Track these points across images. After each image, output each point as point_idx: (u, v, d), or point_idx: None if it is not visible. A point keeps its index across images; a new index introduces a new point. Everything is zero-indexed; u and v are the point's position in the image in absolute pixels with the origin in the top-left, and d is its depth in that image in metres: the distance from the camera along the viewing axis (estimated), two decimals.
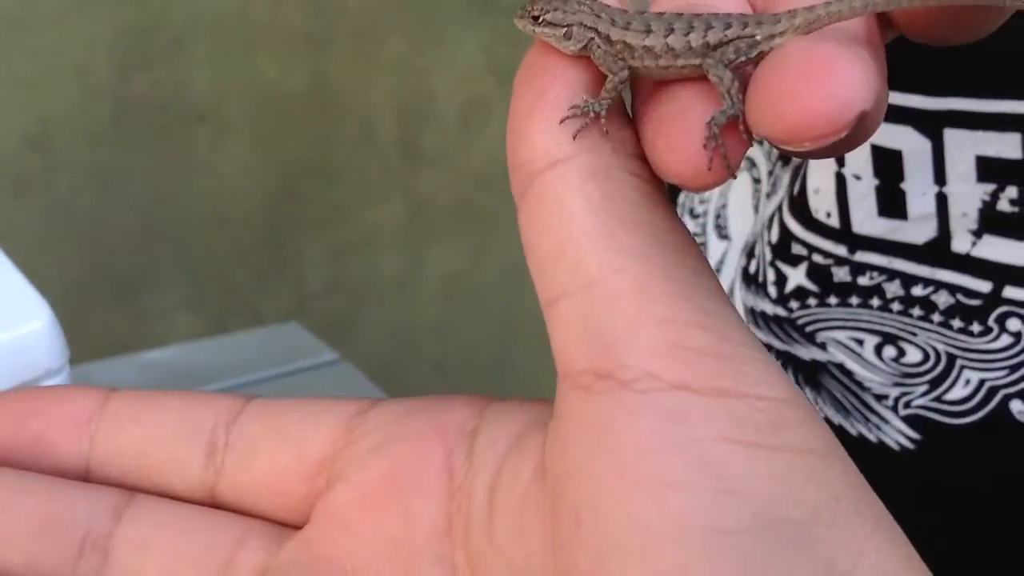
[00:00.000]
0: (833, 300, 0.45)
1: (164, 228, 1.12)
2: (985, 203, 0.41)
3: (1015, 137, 0.40)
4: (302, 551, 0.28)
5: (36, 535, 0.28)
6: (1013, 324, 0.42)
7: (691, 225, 0.54)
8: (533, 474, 0.25)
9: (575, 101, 0.25)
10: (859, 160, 0.43)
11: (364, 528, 0.27)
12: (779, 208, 0.47)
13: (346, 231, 1.21)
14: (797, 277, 0.46)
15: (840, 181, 0.44)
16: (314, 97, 1.15)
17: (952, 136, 0.41)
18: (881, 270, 0.44)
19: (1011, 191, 0.40)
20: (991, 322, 0.42)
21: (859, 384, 0.45)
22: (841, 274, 0.45)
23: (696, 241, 0.25)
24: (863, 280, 0.44)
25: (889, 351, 0.44)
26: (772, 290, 0.47)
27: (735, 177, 0.24)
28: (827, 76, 0.21)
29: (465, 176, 1.23)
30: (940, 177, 0.41)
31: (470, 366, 1.27)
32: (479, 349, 1.28)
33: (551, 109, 0.25)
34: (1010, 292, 0.42)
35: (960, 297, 0.42)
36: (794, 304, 0.46)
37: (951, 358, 0.43)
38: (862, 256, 0.44)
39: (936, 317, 0.43)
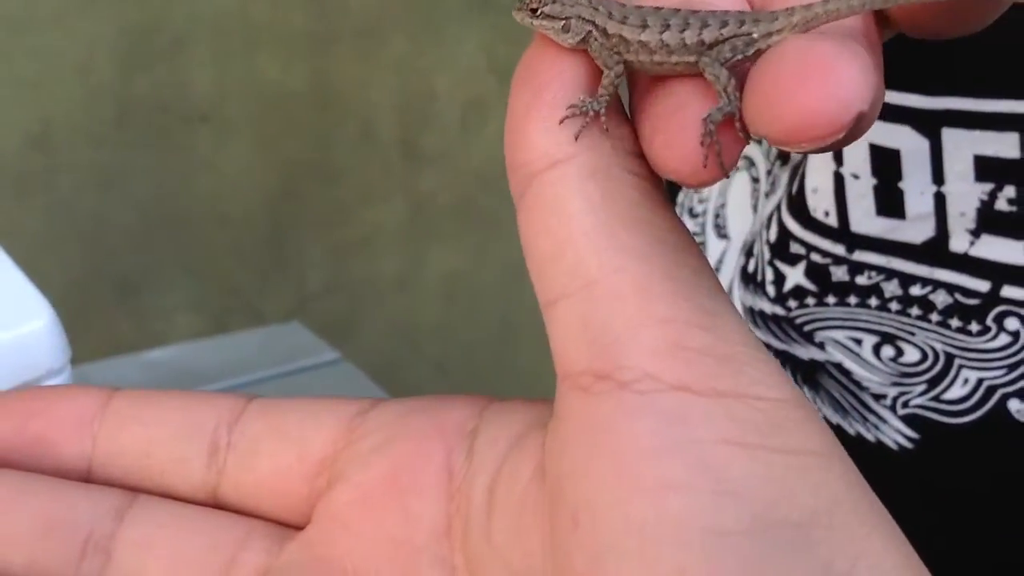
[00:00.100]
0: (831, 299, 0.45)
1: (165, 228, 1.12)
2: (983, 202, 0.41)
3: (1013, 136, 0.40)
4: (303, 552, 0.28)
5: (38, 536, 0.28)
6: (1011, 323, 0.42)
7: (690, 224, 0.54)
8: (532, 475, 0.25)
9: (572, 100, 0.24)
10: (857, 159, 0.43)
11: (364, 529, 0.27)
12: (778, 207, 0.47)
13: (347, 231, 1.21)
14: (795, 276, 0.46)
15: (838, 180, 0.44)
16: (315, 97, 1.15)
17: (950, 135, 0.41)
18: (879, 269, 0.44)
19: (1009, 190, 0.40)
20: (989, 321, 0.42)
21: (857, 384, 0.45)
22: (839, 273, 0.45)
23: (696, 240, 0.25)
24: (861, 279, 0.44)
25: (887, 351, 0.44)
26: (771, 289, 0.47)
27: (728, 176, 0.24)
28: (825, 76, 0.21)
29: (466, 176, 1.23)
30: (938, 176, 0.41)
31: (471, 366, 1.27)
32: (480, 349, 1.28)
33: (549, 109, 0.24)
34: (1008, 291, 0.42)
35: (958, 296, 0.42)
36: (792, 303, 0.46)
37: (949, 357, 0.43)
38: (860, 255, 0.44)
39: (934, 316, 0.43)
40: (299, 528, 0.29)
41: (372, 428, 0.28)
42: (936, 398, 0.44)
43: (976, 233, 0.41)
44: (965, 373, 0.43)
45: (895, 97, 0.41)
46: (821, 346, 0.46)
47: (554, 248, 0.24)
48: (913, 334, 0.44)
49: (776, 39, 0.24)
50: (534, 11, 0.26)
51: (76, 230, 1.08)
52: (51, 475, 0.29)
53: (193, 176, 1.12)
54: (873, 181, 0.43)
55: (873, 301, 0.44)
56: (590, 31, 0.25)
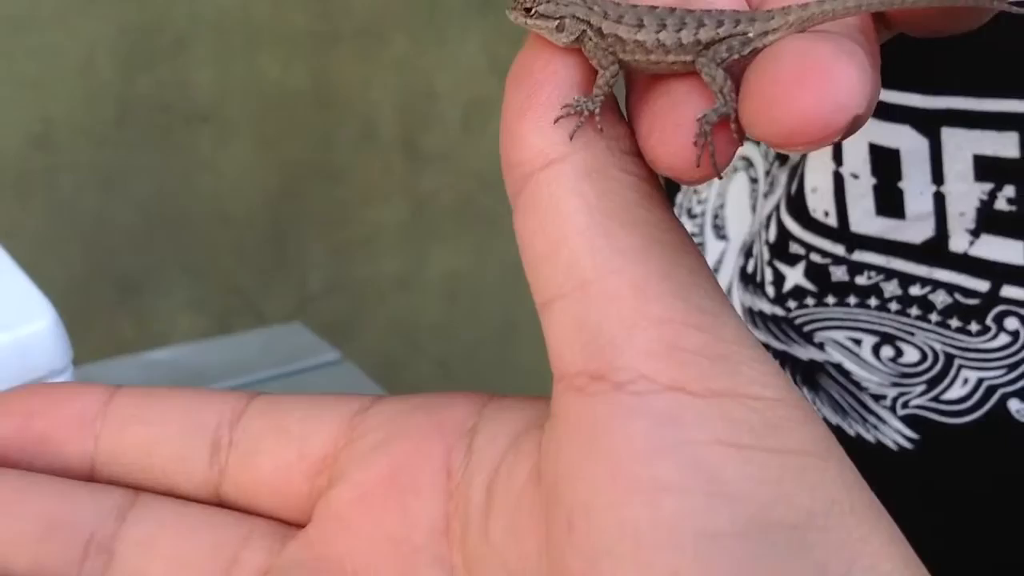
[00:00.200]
0: (831, 300, 0.45)
1: (167, 228, 1.12)
2: (983, 202, 0.41)
3: (1013, 136, 0.39)
4: (304, 551, 0.28)
5: (41, 537, 0.28)
6: (1011, 323, 0.42)
7: (689, 225, 0.54)
8: (529, 475, 0.25)
9: (567, 100, 0.24)
10: (857, 159, 0.43)
11: (364, 528, 0.27)
12: (776, 208, 0.47)
13: (348, 231, 1.21)
14: (795, 276, 0.46)
15: (838, 180, 0.44)
16: (316, 97, 1.15)
17: (950, 135, 0.41)
18: (879, 269, 0.44)
19: (1008, 190, 0.40)
20: (989, 321, 0.42)
21: (857, 384, 0.45)
22: (839, 273, 0.44)
23: (693, 239, 0.25)
24: (861, 279, 0.44)
25: (887, 351, 0.44)
26: (770, 290, 0.47)
27: (721, 177, 0.24)
28: (822, 79, 0.21)
29: (467, 176, 1.23)
30: (938, 176, 0.41)
31: (472, 365, 1.27)
32: (481, 348, 1.28)
33: (543, 109, 0.24)
34: (1008, 291, 0.41)
35: (958, 296, 0.42)
36: (792, 304, 0.46)
37: (949, 358, 0.43)
38: (860, 255, 0.44)
39: (934, 317, 0.43)
40: (300, 526, 0.29)
41: (372, 426, 0.28)
42: (936, 398, 0.44)
43: (976, 233, 0.41)
44: (965, 373, 0.43)
45: (895, 96, 0.41)
46: (820, 346, 0.46)
47: (549, 248, 0.24)
48: (913, 334, 0.44)
49: (772, 39, 0.24)
50: (528, 10, 0.26)
51: (77, 230, 1.08)
52: (53, 474, 0.29)
53: (194, 176, 1.12)
54: (873, 181, 0.43)
55: (872, 301, 0.44)
56: (584, 30, 0.25)
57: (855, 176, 0.43)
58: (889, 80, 0.41)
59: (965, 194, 0.41)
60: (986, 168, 0.40)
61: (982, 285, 0.42)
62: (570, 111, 0.24)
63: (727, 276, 0.51)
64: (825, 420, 0.46)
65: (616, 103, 0.25)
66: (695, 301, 0.23)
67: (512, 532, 0.25)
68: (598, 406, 0.23)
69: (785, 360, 0.47)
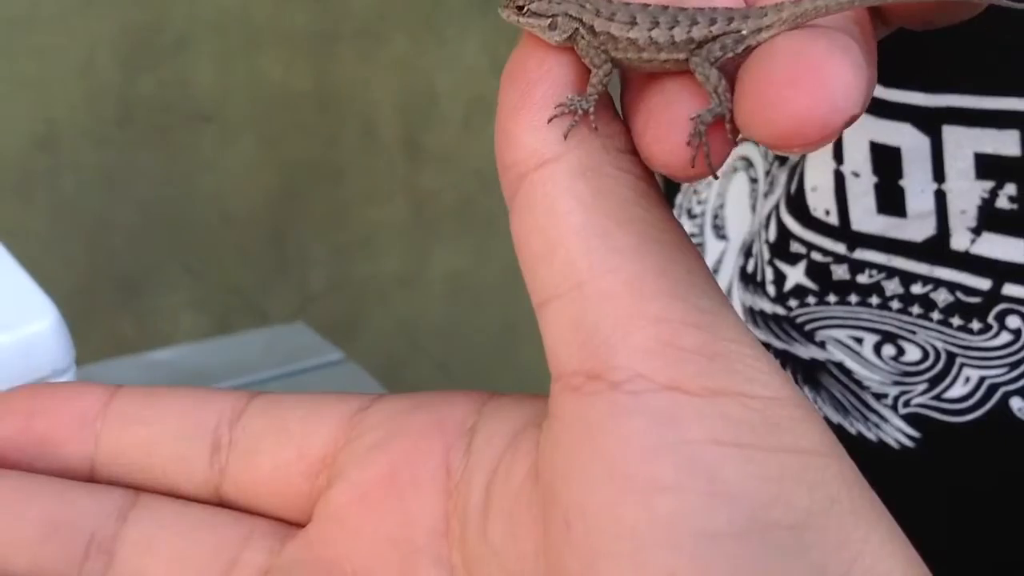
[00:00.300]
0: (832, 298, 0.45)
1: (169, 228, 1.12)
2: (984, 200, 0.41)
3: (1014, 134, 0.39)
4: (304, 551, 0.28)
5: (41, 539, 0.28)
6: (1013, 321, 0.42)
7: (688, 225, 0.54)
8: (527, 475, 0.25)
9: (561, 99, 0.24)
10: (858, 158, 0.43)
11: (364, 528, 0.27)
12: (776, 207, 0.47)
13: (350, 230, 1.21)
14: (796, 275, 0.46)
15: (839, 179, 0.44)
16: (317, 97, 1.15)
17: (951, 133, 0.41)
18: (880, 268, 0.44)
19: (1010, 188, 0.40)
20: (990, 320, 0.42)
21: (858, 383, 0.45)
22: (840, 272, 0.44)
23: (690, 237, 0.25)
24: (862, 278, 0.44)
25: (888, 349, 0.44)
26: (771, 289, 0.47)
27: (716, 176, 0.24)
28: (817, 80, 0.21)
29: (468, 175, 1.23)
30: (939, 174, 0.41)
31: (473, 365, 1.27)
32: (482, 348, 1.28)
33: (537, 108, 0.24)
34: (1009, 289, 0.41)
35: (959, 295, 0.42)
36: (793, 303, 0.46)
37: (950, 356, 0.43)
38: (861, 254, 0.44)
39: (935, 315, 0.43)
40: (301, 525, 0.29)
41: (371, 425, 0.28)
42: (937, 397, 0.44)
43: (977, 231, 0.41)
44: (966, 372, 0.43)
45: (896, 94, 0.41)
46: (822, 345, 0.46)
47: (545, 248, 0.24)
48: (914, 333, 0.43)
49: (766, 36, 0.24)
50: (520, 8, 0.26)
51: (79, 230, 1.08)
52: (54, 475, 0.29)
53: (196, 176, 1.12)
54: (874, 179, 0.43)
55: (874, 300, 0.44)
56: (577, 28, 0.25)
57: (856, 174, 0.43)
58: (890, 78, 0.41)
59: (966, 192, 0.41)
60: (987, 166, 0.40)
61: (983, 283, 0.42)
62: (564, 110, 0.24)
63: (727, 276, 0.51)
64: (826, 419, 0.46)
65: (611, 101, 0.25)
66: (692, 299, 0.23)
67: (510, 532, 0.25)
68: (595, 406, 0.23)
69: (786, 359, 0.47)
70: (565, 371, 0.24)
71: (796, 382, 0.47)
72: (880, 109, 0.41)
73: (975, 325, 0.42)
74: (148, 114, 1.08)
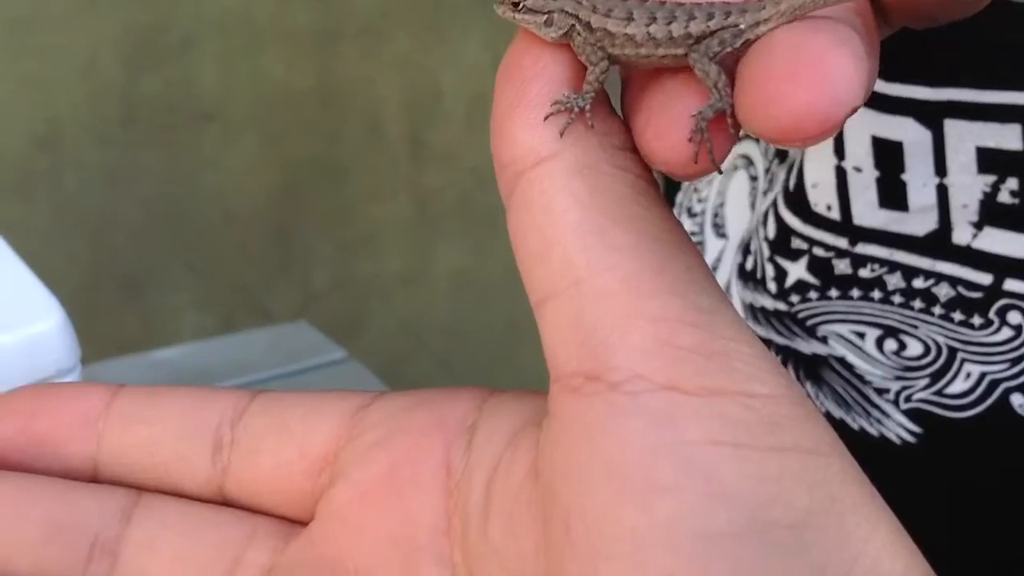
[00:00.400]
0: (834, 293, 0.45)
1: (172, 227, 1.12)
2: (986, 194, 0.41)
3: (1016, 128, 0.39)
4: (306, 550, 0.28)
5: (44, 540, 0.28)
6: (1014, 317, 0.42)
7: (689, 224, 0.53)
8: (526, 474, 0.25)
9: (557, 96, 0.24)
10: (859, 152, 0.43)
11: (365, 527, 0.27)
12: (774, 203, 0.47)
13: (353, 229, 1.21)
14: (797, 271, 0.46)
15: (840, 174, 0.44)
16: (321, 95, 1.15)
17: (953, 127, 0.40)
18: (882, 262, 0.43)
19: (1012, 182, 0.40)
20: (992, 315, 0.42)
21: (860, 378, 0.45)
22: (842, 266, 0.44)
23: (688, 233, 0.25)
24: (864, 272, 0.44)
25: (890, 344, 0.44)
26: (772, 285, 0.47)
27: (720, 171, 0.24)
28: (817, 74, 0.21)
29: (471, 173, 1.23)
30: (941, 168, 0.41)
31: (477, 363, 1.27)
32: (486, 346, 1.28)
33: (533, 106, 0.24)
34: (1011, 285, 0.41)
35: (961, 289, 0.42)
36: (795, 298, 0.46)
37: (952, 351, 0.43)
38: (863, 248, 0.44)
39: (937, 310, 0.43)
40: (304, 523, 0.28)
41: (372, 423, 0.28)
42: (939, 392, 0.44)
43: (979, 225, 0.41)
44: (967, 367, 0.43)
45: (898, 89, 0.41)
46: (824, 340, 0.46)
47: (542, 246, 0.24)
48: (916, 327, 0.43)
49: (764, 29, 0.23)
50: (516, 5, 0.25)
51: (82, 229, 1.09)
52: (57, 475, 0.29)
53: (199, 175, 1.12)
54: (876, 173, 0.43)
55: (876, 294, 0.44)
56: (573, 25, 0.25)
57: (858, 169, 0.43)
58: (892, 72, 0.41)
59: (968, 186, 0.41)
60: (989, 160, 0.40)
61: (985, 278, 0.42)
62: (560, 107, 0.24)
63: (725, 274, 0.51)
64: (828, 414, 0.46)
65: (607, 98, 0.25)
66: (690, 297, 0.23)
67: (510, 532, 0.25)
68: (593, 407, 0.23)
69: (788, 355, 0.47)
70: (564, 371, 0.24)
71: (798, 378, 0.47)
72: (882, 103, 0.41)
73: (976, 320, 0.42)
74: (151, 113, 1.08)
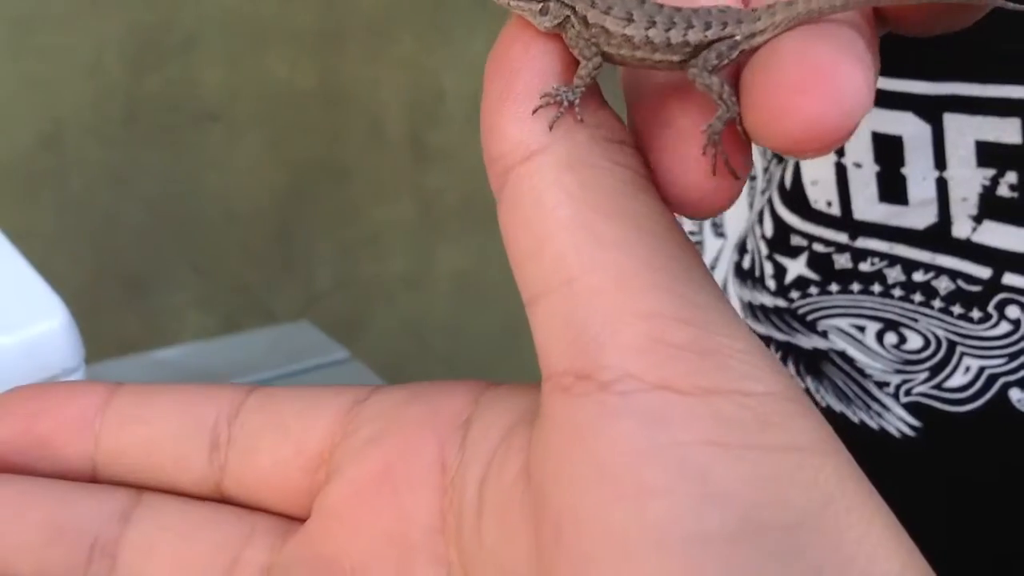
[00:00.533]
0: (834, 287, 0.45)
1: (175, 226, 1.13)
2: (985, 188, 0.41)
3: (1015, 122, 0.39)
4: (303, 549, 0.28)
5: (45, 543, 0.28)
6: (1012, 311, 0.42)
7: (687, 224, 0.53)
8: (519, 473, 0.25)
9: (546, 89, 0.24)
10: (859, 148, 0.43)
11: (361, 525, 0.27)
12: (770, 201, 0.47)
13: (356, 229, 1.21)
14: (797, 267, 0.46)
15: (840, 170, 0.44)
16: (324, 95, 1.15)
17: (952, 121, 0.40)
18: (882, 256, 0.44)
19: (1011, 176, 0.40)
20: (991, 309, 0.42)
21: (860, 371, 0.45)
22: (842, 261, 0.44)
23: (682, 227, 0.24)
24: (864, 266, 0.44)
25: (890, 337, 0.44)
26: (771, 283, 0.47)
27: (738, 178, 0.23)
28: (827, 85, 0.21)
29: (474, 174, 1.22)
30: (940, 162, 0.41)
31: (479, 363, 1.27)
32: (488, 346, 1.28)
33: (521, 99, 0.24)
34: (1009, 279, 0.41)
35: (960, 283, 0.42)
36: (795, 294, 0.46)
37: (951, 345, 0.43)
38: (863, 242, 0.44)
39: (937, 303, 0.43)
40: (302, 520, 0.28)
41: (367, 419, 0.28)
42: (938, 386, 0.44)
43: (978, 219, 0.41)
44: (967, 361, 0.43)
45: (897, 83, 0.41)
46: (824, 335, 0.46)
47: (533, 244, 0.23)
48: (916, 320, 0.44)
49: (759, 40, 0.23)
50: None
51: (85, 229, 1.09)
52: (56, 476, 0.29)
53: (202, 175, 1.13)
54: (876, 168, 0.43)
55: (876, 288, 0.44)
56: (568, 16, 0.24)
57: (858, 165, 0.43)
58: (891, 68, 0.41)
59: (968, 180, 0.41)
60: (988, 154, 0.40)
61: (984, 272, 0.42)
62: (549, 100, 0.24)
63: (723, 273, 0.51)
64: (829, 408, 0.46)
65: (599, 89, 0.25)
66: (683, 293, 0.23)
67: (503, 532, 0.25)
68: (584, 407, 0.23)
69: (788, 350, 0.47)
70: (555, 370, 0.23)
71: (798, 372, 0.47)
72: (881, 99, 0.41)
73: (975, 314, 0.42)
74: (155, 113, 1.08)
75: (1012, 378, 0.42)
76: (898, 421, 0.45)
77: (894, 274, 0.43)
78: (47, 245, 1.05)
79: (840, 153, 0.44)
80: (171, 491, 0.29)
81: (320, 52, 1.14)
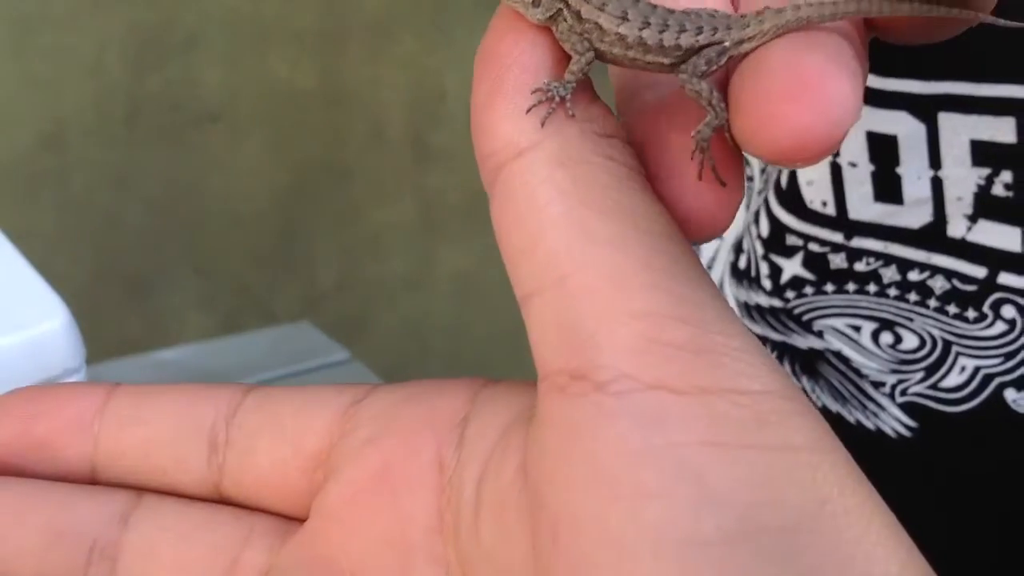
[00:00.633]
0: (830, 287, 0.45)
1: (177, 227, 1.13)
2: (980, 187, 0.41)
3: (1010, 121, 0.39)
4: (302, 550, 0.28)
5: (45, 546, 0.28)
6: (1008, 311, 0.42)
7: None
8: (515, 473, 0.24)
9: (536, 84, 0.23)
10: (854, 148, 0.43)
11: (359, 526, 0.27)
12: (765, 202, 0.47)
13: (357, 230, 1.21)
14: (793, 267, 0.46)
15: (835, 170, 0.44)
16: (325, 96, 1.15)
17: (947, 120, 0.40)
18: (877, 255, 0.43)
19: (1006, 175, 0.40)
20: (986, 308, 0.42)
21: (856, 371, 0.45)
22: (838, 261, 0.44)
23: (676, 223, 0.24)
24: (860, 266, 0.44)
25: (886, 337, 0.44)
26: (767, 283, 0.47)
27: (725, 185, 0.23)
28: (817, 95, 0.21)
29: (475, 174, 1.21)
30: (935, 161, 0.41)
31: (480, 363, 1.27)
32: (489, 346, 1.28)
33: (512, 95, 0.23)
34: (1004, 278, 0.41)
35: (956, 282, 0.42)
36: (790, 294, 0.46)
37: (947, 344, 0.43)
38: (859, 242, 0.44)
39: (932, 302, 0.43)
40: (301, 520, 0.28)
41: (365, 418, 0.28)
42: (934, 386, 0.44)
43: (973, 218, 0.41)
44: (962, 361, 0.43)
45: (892, 83, 0.41)
46: (820, 335, 0.46)
47: (526, 241, 0.23)
48: (911, 320, 0.43)
49: (748, 47, 0.23)
50: None
51: (86, 229, 1.09)
52: (55, 478, 0.29)
53: (204, 175, 1.13)
54: (871, 168, 0.43)
55: (872, 287, 0.44)
56: (561, 10, 0.24)
57: (853, 165, 0.43)
58: (886, 67, 0.41)
59: (963, 179, 0.41)
60: (983, 153, 0.40)
61: (979, 271, 0.42)
62: (540, 96, 0.23)
63: (718, 273, 0.51)
64: (825, 408, 0.46)
65: (590, 84, 0.24)
66: (677, 291, 0.22)
67: (501, 531, 0.24)
68: (580, 408, 0.22)
69: (784, 350, 0.47)
70: (550, 370, 0.23)
71: (794, 372, 0.47)
72: (876, 98, 0.41)
73: (971, 314, 0.42)
74: (156, 113, 1.08)
75: (1008, 378, 0.42)
76: (894, 421, 0.45)
77: (889, 274, 0.43)
78: (48, 245, 1.05)
79: (835, 153, 0.43)
80: (170, 492, 0.29)
81: (321, 52, 1.14)
